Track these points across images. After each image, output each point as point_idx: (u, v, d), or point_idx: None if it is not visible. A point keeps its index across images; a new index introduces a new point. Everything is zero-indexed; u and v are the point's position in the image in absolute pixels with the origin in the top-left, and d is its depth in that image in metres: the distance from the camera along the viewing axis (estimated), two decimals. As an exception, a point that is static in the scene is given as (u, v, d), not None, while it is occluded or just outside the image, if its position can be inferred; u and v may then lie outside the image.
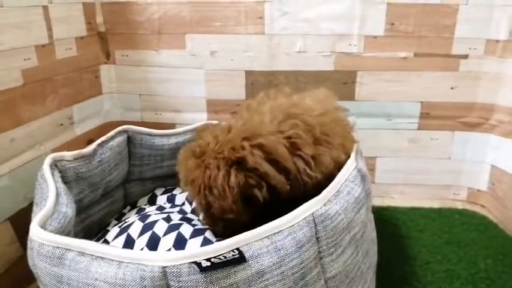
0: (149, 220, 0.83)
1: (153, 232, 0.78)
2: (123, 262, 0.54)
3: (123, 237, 0.78)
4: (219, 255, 0.54)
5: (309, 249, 0.60)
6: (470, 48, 1.22)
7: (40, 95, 1.03)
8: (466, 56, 1.22)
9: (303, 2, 1.19)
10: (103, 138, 0.92)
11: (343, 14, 1.20)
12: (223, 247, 0.55)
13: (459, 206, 1.34)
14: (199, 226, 0.84)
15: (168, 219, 0.84)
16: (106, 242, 0.79)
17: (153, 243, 0.75)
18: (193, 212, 0.99)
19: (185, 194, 1.04)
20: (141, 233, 0.78)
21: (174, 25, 1.25)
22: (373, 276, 0.82)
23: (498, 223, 1.22)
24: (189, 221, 0.88)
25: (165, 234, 0.77)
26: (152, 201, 1.04)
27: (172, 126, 1.35)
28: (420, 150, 1.34)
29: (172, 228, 0.79)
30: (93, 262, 0.55)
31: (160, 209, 0.96)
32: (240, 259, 0.54)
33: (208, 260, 0.53)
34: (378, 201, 1.34)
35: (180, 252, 0.54)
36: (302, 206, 0.62)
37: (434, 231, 1.16)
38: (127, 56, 1.29)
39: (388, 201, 1.35)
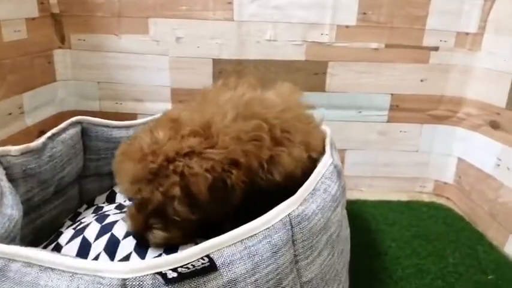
0: (107, 221, 0.75)
1: (112, 234, 0.71)
2: (76, 274, 0.47)
3: (77, 240, 0.71)
4: (187, 264, 0.48)
5: (285, 254, 0.56)
6: (441, 41, 1.21)
7: (-16, 81, 0.93)
8: (436, 48, 1.22)
9: (273, -13, 1.14)
10: (54, 131, 0.84)
11: (315, 2, 1.16)
12: (192, 254, 0.49)
13: (425, 198, 1.34)
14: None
15: (128, 219, 0.78)
16: (58, 246, 0.71)
17: (111, 247, 0.68)
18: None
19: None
20: (98, 236, 0.71)
21: (136, 8, 1.16)
22: (347, 275, 0.79)
23: (464, 216, 1.23)
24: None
25: (125, 237, 0.71)
26: (111, 199, 0.96)
27: (133, 116, 1.27)
28: (389, 142, 1.33)
29: (133, 229, 0.73)
30: (41, 274, 0.48)
31: (120, 207, 0.88)
32: (210, 267, 0.49)
33: (174, 270, 0.47)
34: (346, 195, 1.31)
35: (142, 262, 0.48)
36: (278, 206, 0.58)
37: (403, 225, 1.15)
38: (84, 40, 1.19)
39: (357, 194, 1.34)
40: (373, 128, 1.31)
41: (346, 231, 0.81)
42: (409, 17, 1.19)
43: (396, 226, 1.15)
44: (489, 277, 0.95)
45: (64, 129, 0.86)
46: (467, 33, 1.19)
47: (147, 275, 0.46)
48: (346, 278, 0.79)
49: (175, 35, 1.19)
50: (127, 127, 0.97)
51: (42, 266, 0.48)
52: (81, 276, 0.47)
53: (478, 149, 1.23)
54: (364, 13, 1.18)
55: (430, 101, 1.28)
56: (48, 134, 0.82)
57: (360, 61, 1.23)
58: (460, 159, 1.30)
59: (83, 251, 0.69)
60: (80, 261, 0.49)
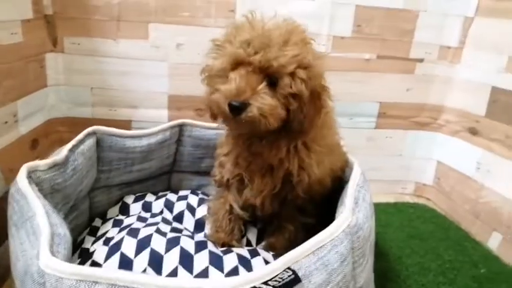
0: (142, 235, 0.74)
1: (152, 249, 0.70)
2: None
3: (116, 257, 0.69)
4: (275, 277, 0.50)
5: (349, 262, 0.59)
6: (426, 53, 1.30)
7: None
8: (421, 60, 1.30)
9: (276, -3, 1.16)
10: (73, 142, 0.80)
11: (314, 13, 1.20)
12: (277, 268, 0.51)
13: (408, 199, 1.43)
14: (198, 238, 0.78)
15: (159, 231, 0.77)
16: (96, 263, 0.69)
17: (156, 262, 0.68)
18: (176, 219, 0.91)
19: (162, 201, 0.96)
20: (138, 251, 0.70)
21: (136, 12, 1.12)
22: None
23: (445, 215, 1.33)
24: (180, 231, 0.81)
25: (167, 251, 0.70)
26: (124, 211, 0.94)
27: (128, 123, 1.23)
28: (376, 147, 1.40)
29: (172, 243, 0.72)
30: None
31: (142, 219, 0.86)
32: (296, 280, 0.51)
33: (265, 283, 0.48)
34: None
35: (235, 279, 0.48)
36: (337, 219, 0.61)
37: (396, 226, 1.22)
38: (78, 44, 1.13)
39: (346, 198, 1.39)
40: (362, 134, 1.38)
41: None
42: (398, 30, 1.26)
43: (390, 227, 1.21)
44: (481, 271, 1.04)
45: (82, 141, 0.82)
46: (449, 47, 1.29)
47: (246, 290, 0.47)
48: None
49: (176, 41, 1.17)
50: (140, 137, 0.95)
51: (127, 287, 0.47)
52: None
53: (458, 153, 1.33)
54: (359, 25, 1.24)
55: (414, 108, 1.37)
56: (69, 146, 0.78)
57: (353, 71, 1.28)
58: (439, 162, 1.41)
59: (125, 267, 0.67)
60: (169, 280, 0.48)
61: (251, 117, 0.64)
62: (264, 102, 0.64)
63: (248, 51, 0.65)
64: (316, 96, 0.70)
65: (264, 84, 0.65)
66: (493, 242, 1.15)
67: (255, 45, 0.65)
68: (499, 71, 1.17)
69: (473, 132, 1.27)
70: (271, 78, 0.66)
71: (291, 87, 0.66)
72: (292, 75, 0.66)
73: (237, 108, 0.63)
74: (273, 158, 0.76)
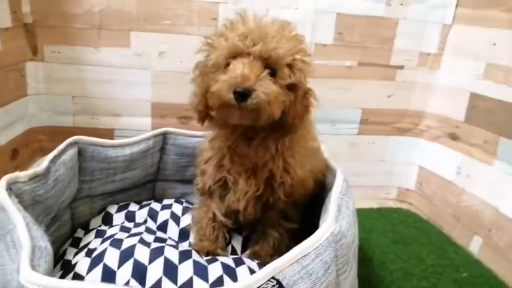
0: (125, 246, 0.73)
1: (136, 260, 0.69)
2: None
3: (99, 269, 0.68)
4: (259, 287, 0.50)
5: (333, 270, 0.59)
6: (406, 60, 1.32)
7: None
8: (402, 67, 1.33)
9: (259, 4, 1.16)
10: (54, 153, 0.79)
11: (297, 21, 1.20)
12: (260, 278, 0.51)
13: (391, 204, 1.45)
14: (182, 247, 0.78)
15: (143, 242, 0.76)
16: (78, 276, 0.68)
17: (139, 274, 0.67)
18: (160, 228, 0.91)
19: (145, 210, 0.95)
20: (121, 262, 0.69)
21: (117, 21, 1.12)
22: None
23: (428, 219, 1.35)
24: (164, 240, 0.81)
25: (150, 262, 0.69)
26: (107, 221, 0.92)
27: (110, 131, 1.22)
28: (359, 153, 1.42)
29: (155, 253, 0.72)
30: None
31: (125, 229, 0.85)
32: (280, 290, 0.51)
33: (250, 294, 0.48)
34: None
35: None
36: (320, 227, 0.61)
37: (380, 231, 1.24)
38: (59, 52, 1.12)
39: (330, 203, 1.40)
40: (345, 140, 1.39)
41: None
42: (379, 37, 1.28)
43: (374, 233, 1.23)
44: (463, 275, 1.06)
45: (63, 151, 0.81)
46: (428, 54, 1.32)
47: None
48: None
49: (158, 49, 1.17)
50: (122, 146, 0.93)
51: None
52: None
53: (438, 158, 1.36)
54: (340, 33, 1.26)
55: (395, 114, 1.39)
56: (50, 156, 0.77)
57: (335, 78, 1.30)
58: (421, 168, 1.43)
59: (108, 279, 0.66)
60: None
61: (257, 103, 0.64)
62: (268, 88, 0.65)
63: (246, 43, 0.67)
64: (305, 93, 0.73)
65: (266, 72, 0.66)
66: (474, 246, 1.17)
67: (253, 38, 0.67)
68: (477, 77, 1.19)
69: (454, 137, 1.30)
70: (270, 69, 0.67)
71: (290, 77, 0.68)
72: (290, 66, 0.68)
73: (242, 95, 0.63)
74: (261, 158, 0.76)
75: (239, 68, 0.65)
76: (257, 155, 0.76)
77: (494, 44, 1.15)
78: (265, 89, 0.64)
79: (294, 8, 1.21)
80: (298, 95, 0.70)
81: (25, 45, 1.07)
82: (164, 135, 1.02)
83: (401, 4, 1.25)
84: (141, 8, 1.12)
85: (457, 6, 1.26)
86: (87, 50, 1.13)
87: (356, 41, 1.28)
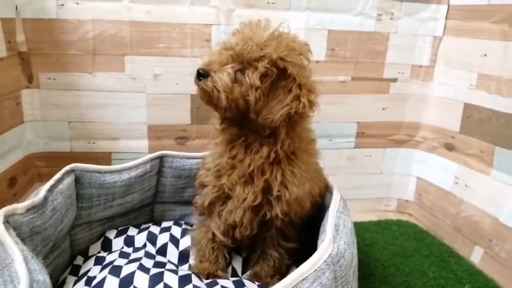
0: (124, 273, 0.73)
1: (135, 288, 0.69)
2: None
3: (98, 298, 0.68)
4: (258, 316, 0.49)
5: (332, 293, 0.59)
6: (398, 73, 1.34)
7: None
8: (395, 80, 1.34)
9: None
10: (51, 182, 0.79)
11: (289, 39, 1.22)
12: (259, 306, 0.50)
13: (391, 216, 1.45)
14: (182, 272, 0.77)
15: (142, 268, 0.76)
16: (78, 306, 0.67)
17: (139, 302, 0.67)
18: (159, 252, 0.90)
19: (144, 234, 0.95)
20: (121, 291, 0.68)
21: (111, 46, 1.13)
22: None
23: (428, 230, 1.35)
24: (163, 265, 0.80)
25: (150, 289, 0.69)
26: (106, 247, 0.92)
27: (107, 155, 1.22)
28: (356, 167, 1.42)
29: (155, 280, 0.72)
30: None
31: (124, 255, 0.85)
32: (278, 317, 0.51)
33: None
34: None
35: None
36: (318, 249, 0.61)
37: (381, 245, 1.23)
38: (54, 79, 1.13)
39: (330, 218, 1.40)
40: (342, 154, 1.40)
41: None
42: (371, 52, 1.30)
43: (375, 246, 1.22)
44: (466, 287, 1.05)
45: (60, 179, 0.81)
46: (420, 66, 1.33)
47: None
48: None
49: (153, 72, 1.18)
50: (119, 171, 0.94)
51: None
52: None
53: (436, 169, 1.36)
54: (333, 49, 1.27)
55: (391, 127, 1.39)
56: (47, 186, 0.77)
57: (329, 93, 1.31)
58: (419, 179, 1.43)
59: (108, 309, 0.66)
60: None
61: (206, 85, 0.72)
62: (221, 78, 0.72)
63: (236, 41, 0.75)
64: (297, 96, 0.76)
65: (231, 66, 0.73)
66: (475, 256, 1.17)
67: (242, 38, 0.74)
68: (470, 88, 1.21)
69: (450, 147, 1.30)
70: (244, 67, 0.73)
71: (262, 78, 0.73)
72: (256, 69, 0.73)
73: (200, 74, 0.72)
74: (255, 162, 0.77)
75: (214, 55, 0.75)
76: (253, 160, 0.78)
77: (485, 55, 1.16)
78: (219, 78, 0.72)
79: (286, 26, 1.22)
80: (278, 94, 0.74)
81: (20, 73, 1.08)
82: (161, 158, 1.02)
83: (391, 19, 1.27)
84: (135, 33, 1.13)
85: (447, 18, 1.28)
86: (82, 75, 1.14)
87: (348, 56, 1.29)
